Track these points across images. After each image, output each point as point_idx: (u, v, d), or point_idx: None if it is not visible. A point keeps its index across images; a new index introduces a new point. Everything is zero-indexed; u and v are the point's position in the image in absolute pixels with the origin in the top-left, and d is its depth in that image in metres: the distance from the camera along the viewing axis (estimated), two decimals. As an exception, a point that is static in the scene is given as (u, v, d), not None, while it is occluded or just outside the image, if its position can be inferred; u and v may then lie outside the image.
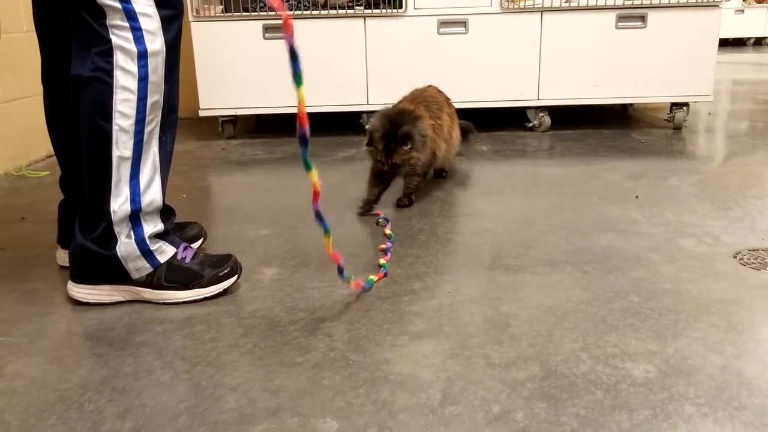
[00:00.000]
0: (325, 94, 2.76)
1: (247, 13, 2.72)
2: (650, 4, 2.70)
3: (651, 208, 1.82)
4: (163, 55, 1.23)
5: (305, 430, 0.91)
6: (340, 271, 1.29)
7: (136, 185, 1.26)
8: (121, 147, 1.22)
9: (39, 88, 1.42)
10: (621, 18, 2.73)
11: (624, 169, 2.27)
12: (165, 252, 1.32)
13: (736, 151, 2.54)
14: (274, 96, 2.79)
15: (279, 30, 2.75)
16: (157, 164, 1.29)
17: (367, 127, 2.24)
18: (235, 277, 1.35)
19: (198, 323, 1.23)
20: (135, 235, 1.28)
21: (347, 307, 1.28)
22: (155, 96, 1.24)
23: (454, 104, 2.17)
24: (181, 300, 1.30)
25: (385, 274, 1.41)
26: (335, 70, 2.74)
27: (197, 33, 2.73)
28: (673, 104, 2.90)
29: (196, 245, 1.57)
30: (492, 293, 1.32)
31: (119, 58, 1.19)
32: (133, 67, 1.20)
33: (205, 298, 1.32)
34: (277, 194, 2.09)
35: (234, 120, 2.94)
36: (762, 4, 7.21)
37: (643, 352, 1.09)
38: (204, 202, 2.05)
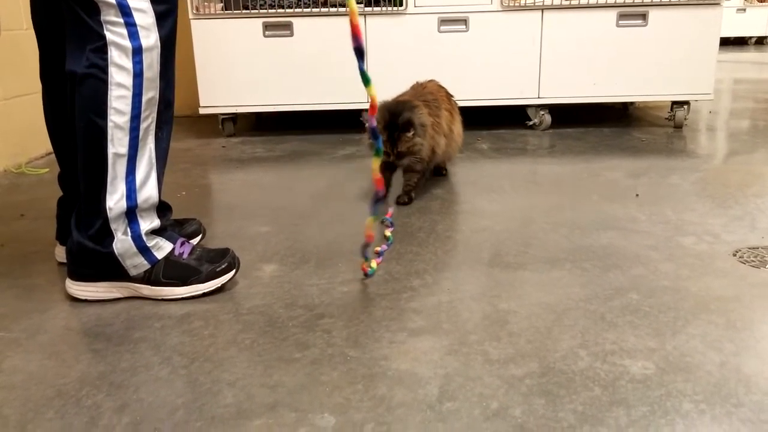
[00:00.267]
0: (325, 92, 2.76)
1: (247, 11, 2.72)
2: (651, 2, 2.70)
3: (651, 206, 1.82)
4: (158, 50, 1.23)
5: (303, 425, 0.91)
6: (365, 248, 1.38)
7: (132, 182, 1.25)
8: (117, 144, 1.22)
9: (39, 86, 1.42)
10: (622, 16, 2.73)
11: (624, 167, 2.26)
12: (162, 248, 1.31)
13: (736, 150, 2.53)
14: (274, 94, 2.79)
15: (279, 28, 2.75)
16: (153, 161, 1.29)
17: (363, 119, 2.23)
18: (233, 271, 1.35)
19: (196, 319, 1.23)
20: (131, 232, 1.27)
21: (346, 304, 1.28)
22: (150, 92, 1.23)
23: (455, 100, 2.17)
24: (180, 296, 1.30)
25: (369, 275, 1.40)
26: (336, 68, 2.73)
27: (197, 31, 2.73)
28: (674, 103, 2.89)
29: (194, 241, 1.57)
30: (491, 290, 1.32)
31: (114, 54, 1.19)
32: (128, 63, 1.19)
33: (204, 294, 1.31)
34: (276, 192, 2.09)
35: (234, 118, 2.94)
36: (763, 4, 7.20)
37: (642, 349, 1.09)
38: (204, 200, 2.05)
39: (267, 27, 2.74)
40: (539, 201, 1.91)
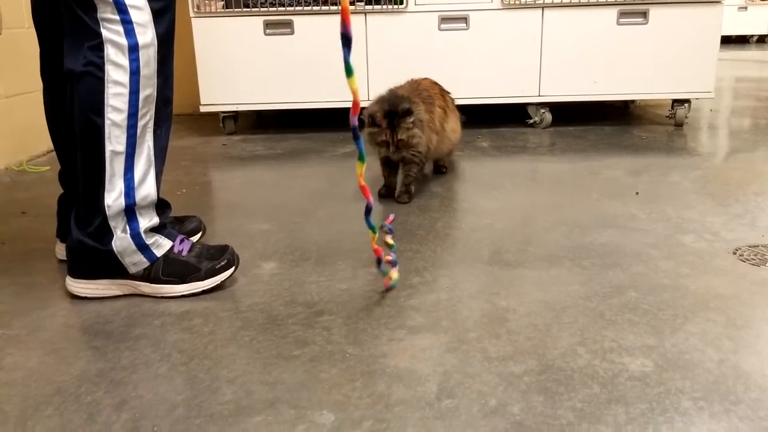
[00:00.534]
0: (325, 91, 2.76)
1: (248, 9, 2.72)
2: (651, 0, 2.70)
3: (651, 204, 1.82)
4: (155, 48, 1.23)
5: (302, 422, 0.92)
6: (379, 263, 1.33)
7: (130, 179, 1.25)
8: (114, 141, 1.22)
9: (40, 84, 1.42)
10: (622, 14, 2.72)
11: (624, 165, 2.26)
12: (161, 246, 1.32)
13: (737, 148, 2.53)
14: (275, 92, 2.79)
15: (279, 26, 2.75)
16: (152, 158, 1.29)
17: (363, 117, 2.24)
18: (233, 268, 1.35)
19: (196, 317, 1.23)
20: (130, 230, 1.28)
21: (345, 301, 1.28)
22: (148, 89, 1.23)
23: (452, 97, 2.16)
24: (179, 293, 1.30)
25: (393, 287, 1.35)
26: (336, 66, 2.70)
27: (198, 29, 2.73)
28: (675, 101, 2.89)
29: (194, 239, 1.57)
30: (490, 288, 1.32)
31: (110, 52, 1.19)
32: (125, 60, 1.19)
33: (203, 291, 1.32)
34: (277, 190, 2.09)
35: (235, 116, 2.94)
36: (765, 2, 7.18)
37: (641, 346, 1.09)
38: (204, 198, 2.05)
39: (268, 25, 2.74)
40: (539, 199, 1.91)
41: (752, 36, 7.50)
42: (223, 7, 2.75)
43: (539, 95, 2.83)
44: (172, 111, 1.35)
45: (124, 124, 1.22)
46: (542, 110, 2.88)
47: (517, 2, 2.72)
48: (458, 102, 2.20)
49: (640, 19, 2.72)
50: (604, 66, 2.78)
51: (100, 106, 1.20)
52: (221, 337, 1.15)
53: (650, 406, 0.93)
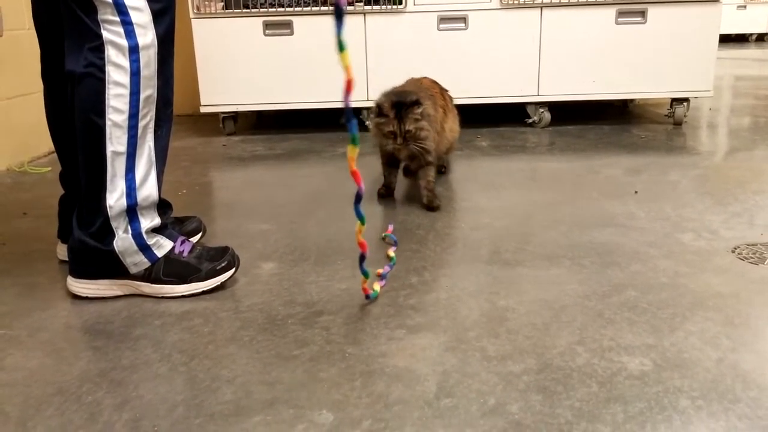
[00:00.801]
0: (324, 91, 2.76)
1: (248, 10, 2.73)
2: (651, -1, 2.70)
3: (650, 203, 1.82)
4: (155, 48, 1.23)
5: (301, 421, 0.92)
6: (362, 260, 1.24)
7: (131, 180, 1.26)
8: (115, 142, 1.23)
9: (41, 85, 1.43)
10: (621, 13, 2.73)
11: (623, 164, 2.27)
12: (162, 246, 1.32)
13: (736, 147, 2.53)
14: (274, 92, 2.80)
15: (279, 26, 2.75)
16: (153, 159, 1.29)
17: (368, 114, 2.24)
18: (233, 270, 1.36)
19: (196, 317, 1.24)
20: (132, 230, 1.28)
21: (345, 301, 1.28)
22: (148, 90, 1.24)
23: (451, 95, 2.16)
24: (180, 294, 1.31)
25: (371, 298, 1.29)
26: (336, 66, 2.72)
27: (198, 30, 2.74)
28: (674, 100, 2.89)
29: (195, 239, 1.57)
30: (490, 287, 1.33)
31: (111, 53, 1.19)
32: (125, 61, 1.20)
33: (204, 292, 1.32)
34: (277, 190, 2.09)
35: (235, 116, 2.94)
36: (764, 0, 7.18)
37: (640, 345, 1.09)
38: (204, 198, 2.05)
39: (267, 26, 2.74)
40: (538, 198, 1.91)
41: (751, 34, 7.50)
42: (222, 8, 2.75)
43: (538, 94, 2.83)
44: (173, 111, 1.35)
45: (125, 124, 1.22)
46: (541, 109, 2.88)
47: (516, 2, 2.73)
48: (457, 102, 2.20)
49: (639, 19, 2.73)
50: (603, 65, 2.78)
51: (100, 107, 1.20)
52: (221, 337, 1.16)
53: (649, 405, 0.93)
